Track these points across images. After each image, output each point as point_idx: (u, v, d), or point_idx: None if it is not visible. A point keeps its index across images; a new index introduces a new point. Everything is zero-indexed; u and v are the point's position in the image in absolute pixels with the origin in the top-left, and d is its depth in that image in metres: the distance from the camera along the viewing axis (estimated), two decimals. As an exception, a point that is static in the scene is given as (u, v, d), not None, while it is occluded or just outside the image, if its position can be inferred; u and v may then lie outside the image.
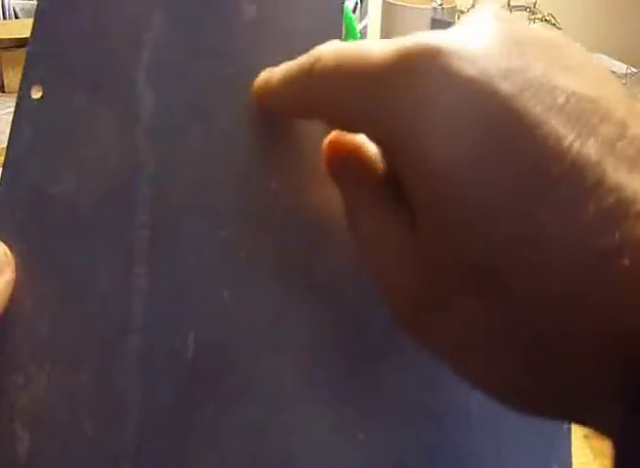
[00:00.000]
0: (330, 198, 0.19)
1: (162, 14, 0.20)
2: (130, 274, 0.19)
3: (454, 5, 1.10)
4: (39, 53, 0.19)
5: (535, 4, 1.14)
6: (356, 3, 0.88)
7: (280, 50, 0.19)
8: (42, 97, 0.19)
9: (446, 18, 1.06)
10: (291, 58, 0.17)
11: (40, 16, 0.19)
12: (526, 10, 1.15)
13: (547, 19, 1.13)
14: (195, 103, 0.20)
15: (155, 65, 0.19)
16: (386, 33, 0.87)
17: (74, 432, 0.18)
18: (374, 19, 0.90)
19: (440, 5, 0.96)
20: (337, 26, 0.21)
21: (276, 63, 0.18)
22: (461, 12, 1.12)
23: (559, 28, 1.14)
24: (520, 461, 0.20)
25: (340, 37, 0.19)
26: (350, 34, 0.69)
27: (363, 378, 0.19)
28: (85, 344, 0.18)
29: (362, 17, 0.90)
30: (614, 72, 1.14)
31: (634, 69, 1.10)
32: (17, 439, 0.17)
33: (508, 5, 1.15)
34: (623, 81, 1.05)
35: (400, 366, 0.20)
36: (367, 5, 0.92)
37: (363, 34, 0.84)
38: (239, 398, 0.19)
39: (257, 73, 0.19)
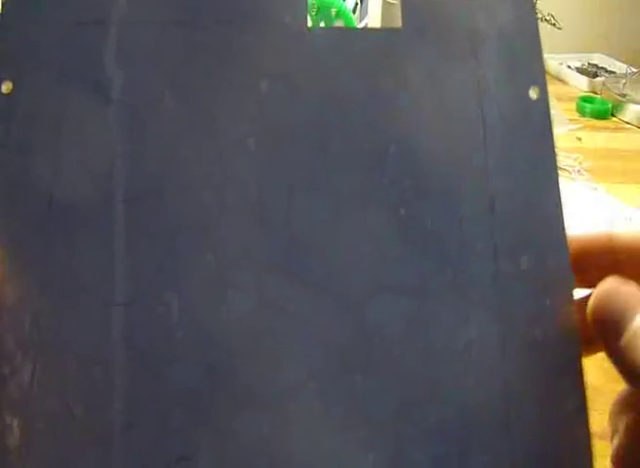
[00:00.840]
0: None
1: None
2: (110, 252, 0.19)
3: (454, 5, 1.10)
4: (6, 48, 0.19)
5: (535, 4, 1.14)
6: (356, 3, 0.88)
7: None
8: (12, 91, 0.19)
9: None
10: None
11: (5, 11, 0.20)
12: (526, 10, 1.15)
13: (547, 19, 1.13)
14: (168, 79, 0.20)
15: (123, 45, 0.20)
16: (386, 33, 0.87)
17: (63, 416, 0.18)
18: (374, 19, 0.90)
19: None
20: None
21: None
22: (461, 12, 1.12)
23: (559, 28, 1.13)
24: (527, 390, 0.20)
25: None
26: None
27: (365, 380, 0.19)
28: (68, 328, 0.18)
29: (362, 17, 0.90)
30: (613, 72, 1.14)
31: (634, 69, 1.09)
32: (5, 428, 0.18)
33: (508, 5, 1.14)
34: (623, 81, 1.05)
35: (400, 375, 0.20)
36: (367, 5, 0.92)
37: (363, 34, 0.84)
38: (229, 364, 0.19)
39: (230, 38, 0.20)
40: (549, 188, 0.21)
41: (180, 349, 0.19)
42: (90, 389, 0.18)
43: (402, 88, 0.21)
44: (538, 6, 1.14)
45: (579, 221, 0.68)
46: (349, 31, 0.22)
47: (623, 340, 0.19)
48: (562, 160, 0.82)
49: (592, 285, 0.21)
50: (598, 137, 0.93)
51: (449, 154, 0.21)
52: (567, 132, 0.92)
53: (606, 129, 0.97)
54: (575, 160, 0.82)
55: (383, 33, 0.22)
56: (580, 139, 0.91)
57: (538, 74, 0.22)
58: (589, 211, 0.71)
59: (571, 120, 0.96)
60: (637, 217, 0.70)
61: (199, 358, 0.19)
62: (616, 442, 0.21)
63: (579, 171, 0.80)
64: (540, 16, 1.13)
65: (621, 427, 0.21)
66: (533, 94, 0.22)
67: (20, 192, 0.19)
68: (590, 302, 0.20)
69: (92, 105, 0.20)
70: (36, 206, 0.19)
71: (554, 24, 1.13)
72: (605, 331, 0.20)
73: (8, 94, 0.19)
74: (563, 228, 0.21)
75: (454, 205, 0.21)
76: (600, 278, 0.20)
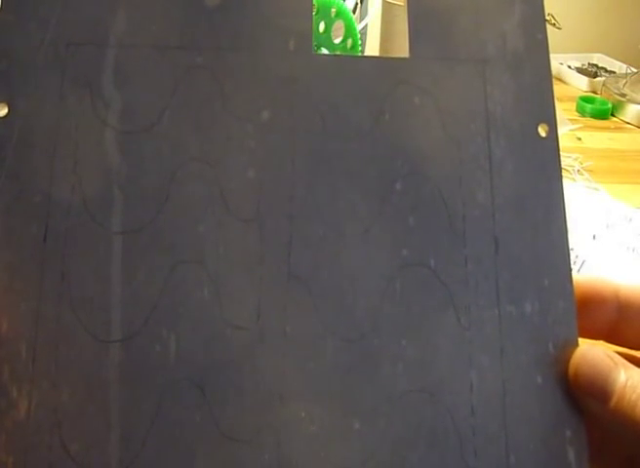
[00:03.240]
0: None
1: (124, 12, 0.20)
2: (106, 285, 0.19)
3: (454, 5, 1.10)
4: (1, 70, 0.19)
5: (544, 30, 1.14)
6: (356, 3, 0.88)
7: None
8: (7, 114, 0.19)
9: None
10: None
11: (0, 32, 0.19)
12: (526, 10, 1.15)
13: (547, 19, 1.13)
14: (166, 103, 0.20)
15: (121, 67, 0.20)
16: (386, 33, 0.87)
17: (59, 452, 0.18)
18: (374, 18, 0.89)
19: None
20: None
21: None
22: (461, 12, 1.12)
23: (559, 28, 1.13)
24: (528, 436, 0.20)
25: None
26: (350, 34, 0.69)
27: (357, 363, 0.19)
28: (64, 362, 0.18)
29: (362, 17, 0.90)
30: (613, 72, 1.14)
31: (634, 69, 1.09)
32: (0, 465, 0.17)
33: (508, 5, 1.14)
34: (623, 81, 1.05)
35: (395, 349, 0.19)
36: (367, 5, 0.92)
37: (363, 34, 0.84)
38: (227, 397, 0.19)
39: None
40: (556, 230, 0.21)
41: (177, 387, 0.18)
42: (86, 426, 0.18)
43: (408, 119, 0.21)
44: (538, 6, 1.14)
45: (578, 221, 0.68)
46: (355, 59, 0.21)
47: (612, 402, 0.19)
48: (562, 160, 0.82)
49: (594, 332, 0.21)
50: (598, 137, 0.93)
51: (454, 191, 0.21)
52: (567, 132, 0.92)
53: (606, 129, 0.97)
54: (575, 160, 0.82)
55: (390, 62, 0.21)
56: (580, 139, 0.91)
57: (547, 111, 0.22)
58: (589, 211, 0.71)
59: (571, 120, 0.96)
60: (637, 217, 0.70)
61: (197, 396, 0.18)
62: None
63: (579, 171, 0.80)
64: (539, 16, 1.13)
65: None
66: (542, 131, 0.22)
67: (15, 221, 0.19)
68: (571, 371, 0.20)
69: (88, 129, 0.19)
70: (31, 236, 0.19)
71: (554, 24, 1.13)
72: (590, 396, 0.19)
73: (3, 117, 0.19)
74: (569, 272, 0.21)
75: (458, 244, 0.20)
76: (603, 326, 0.21)
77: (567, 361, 0.20)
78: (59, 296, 0.18)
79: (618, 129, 0.98)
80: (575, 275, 0.21)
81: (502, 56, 0.22)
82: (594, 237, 0.65)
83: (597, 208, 0.72)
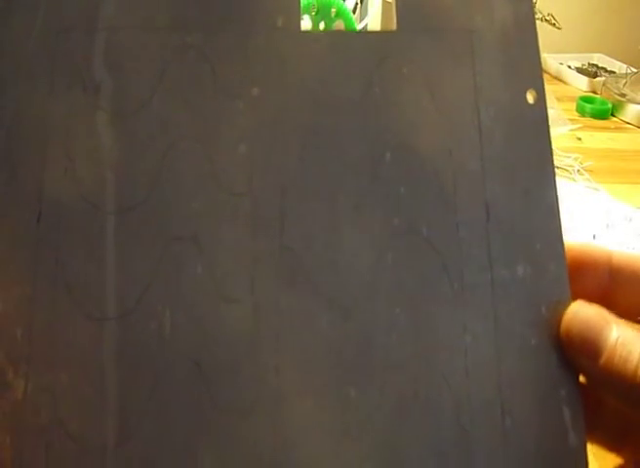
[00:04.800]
0: None
1: None
2: (100, 265, 0.19)
3: (454, 5, 1.10)
4: None
5: (535, 4, 1.14)
6: (356, 3, 0.88)
7: None
8: None
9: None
10: None
11: None
12: (526, 10, 1.14)
13: (547, 19, 1.13)
14: (157, 84, 0.20)
15: (111, 50, 0.20)
16: (386, 33, 0.87)
17: (56, 431, 0.18)
18: (374, 18, 0.90)
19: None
20: None
21: None
22: (461, 12, 1.12)
23: (559, 28, 1.13)
24: (523, 398, 0.20)
25: None
26: (350, 34, 0.69)
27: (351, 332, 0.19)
28: (60, 342, 0.18)
29: (362, 17, 0.90)
30: (613, 72, 1.14)
31: (634, 69, 1.09)
32: None
33: (508, 5, 1.14)
34: (623, 81, 1.05)
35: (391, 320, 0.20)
36: (367, 5, 0.92)
37: (363, 34, 0.84)
38: (223, 371, 0.19)
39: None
40: (546, 195, 0.21)
41: (173, 363, 0.19)
42: (82, 405, 0.18)
43: (397, 91, 0.21)
44: (538, 6, 1.13)
45: (578, 221, 0.68)
46: (343, 34, 0.22)
47: (603, 358, 0.19)
48: (562, 160, 0.82)
49: (585, 297, 0.21)
50: (598, 137, 0.93)
51: (444, 159, 0.21)
52: (567, 132, 0.92)
53: (606, 129, 0.97)
54: (575, 160, 0.82)
55: (378, 36, 0.22)
56: (580, 139, 0.91)
57: (535, 78, 0.22)
58: (589, 211, 0.71)
59: (571, 120, 0.96)
60: (637, 217, 0.70)
61: (193, 371, 0.19)
62: None
63: (579, 171, 0.80)
64: (539, 16, 1.13)
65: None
66: (530, 98, 0.22)
67: (8, 205, 0.19)
68: (562, 329, 0.20)
69: (79, 113, 0.19)
70: (24, 219, 0.19)
71: (554, 24, 1.13)
72: (582, 354, 0.20)
73: None
74: (560, 236, 0.21)
75: (449, 211, 0.21)
76: (595, 291, 0.21)
77: (560, 322, 0.20)
78: (53, 278, 0.19)
79: (618, 129, 0.98)
80: (567, 240, 0.21)
81: (490, 26, 0.22)
82: (594, 237, 0.65)
83: (597, 208, 0.72)
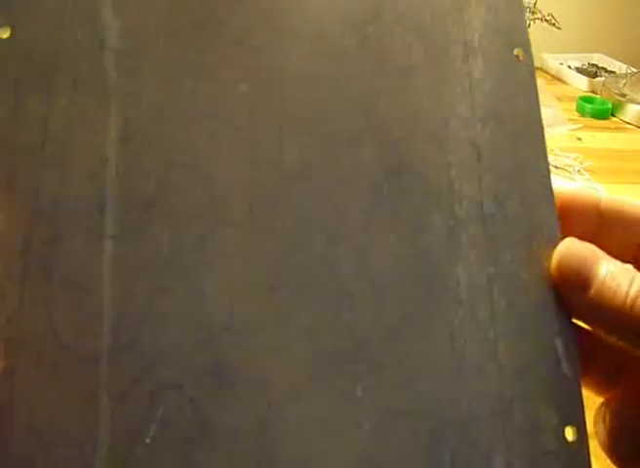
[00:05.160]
0: None
1: None
2: (101, 185, 0.19)
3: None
4: None
5: (535, 4, 1.14)
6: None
7: None
8: (10, 36, 0.20)
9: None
10: None
11: None
12: (526, 10, 1.15)
13: (547, 19, 1.13)
14: (163, 27, 0.21)
15: None
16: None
17: (49, 341, 0.18)
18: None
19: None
20: None
21: None
22: (461, 12, 1.12)
23: (559, 28, 1.13)
24: (516, 327, 0.20)
25: None
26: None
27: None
28: (58, 256, 0.19)
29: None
30: (613, 72, 1.14)
31: (634, 69, 1.09)
32: None
33: (508, 5, 1.14)
34: (623, 81, 1.05)
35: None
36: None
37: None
38: (218, 288, 0.19)
39: None
40: (534, 139, 0.22)
41: (168, 280, 0.19)
42: (77, 317, 0.18)
43: (391, 44, 0.22)
44: (537, 6, 1.14)
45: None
46: None
47: (593, 289, 0.19)
48: (562, 160, 0.82)
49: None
50: (598, 137, 0.93)
51: (436, 105, 0.22)
52: (567, 132, 0.92)
53: (606, 129, 0.97)
54: (575, 160, 0.82)
55: None
56: (580, 139, 0.91)
57: (521, 37, 0.23)
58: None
59: (571, 120, 0.96)
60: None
61: (189, 289, 0.19)
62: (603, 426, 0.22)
63: (579, 171, 0.80)
64: (540, 16, 1.13)
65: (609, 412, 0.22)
66: (517, 54, 0.23)
67: (14, 126, 0.19)
68: (554, 262, 0.20)
69: (87, 50, 0.20)
70: (29, 141, 0.19)
71: (554, 24, 1.13)
72: (572, 287, 0.20)
73: (6, 38, 0.20)
74: (548, 176, 0.22)
75: (442, 151, 0.21)
76: (583, 235, 0.21)
77: (550, 257, 0.21)
78: (55, 194, 0.19)
79: (618, 129, 0.98)
80: (556, 185, 0.22)
81: None
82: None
83: (597, 208, 0.72)
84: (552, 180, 0.22)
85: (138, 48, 0.21)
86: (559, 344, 0.20)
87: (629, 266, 0.20)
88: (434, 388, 0.19)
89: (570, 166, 0.81)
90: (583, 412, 0.20)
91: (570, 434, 0.19)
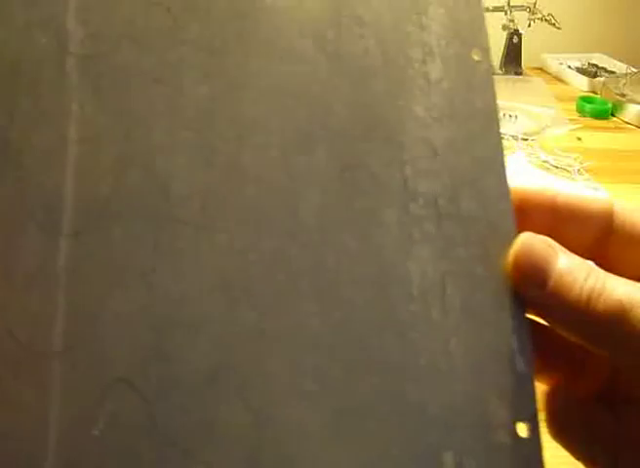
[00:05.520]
0: None
1: None
2: (59, 188, 0.19)
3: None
4: None
5: (535, 4, 1.14)
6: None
7: None
8: None
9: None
10: None
11: None
12: (526, 10, 1.15)
13: (547, 18, 1.13)
14: (126, 31, 0.21)
15: (83, 4, 0.21)
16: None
17: (5, 341, 0.18)
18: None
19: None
20: None
21: None
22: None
23: (559, 28, 1.13)
24: (469, 323, 0.20)
25: None
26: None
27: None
28: (12, 253, 0.19)
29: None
30: (613, 72, 1.14)
31: (634, 69, 1.09)
32: None
33: (508, 5, 1.15)
34: (623, 81, 1.05)
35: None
36: None
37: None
38: (172, 288, 0.19)
39: None
40: (491, 138, 0.22)
41: (124, 273, 0.19)
42: (32, 314, 0.18)
43: (350, 47, 0.23)
44: (537, 6, 1.14)
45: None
46: None
47: (550, 284, 0.19)
48: (562, 160, 0.82)
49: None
50: (598, 137, 0.93)
51: (393, 105, 0.22)
52: (567, 132, 0.92)
53: (606, 129, 0.97)
54: (575, 160, 0.82)
55: None
56: (579, 139, 0.91)
57: (480, 39, 0.24)
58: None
59: (571, 120, 0.96)
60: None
61: (142, 286, 0.19)
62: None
63: (579, 171, 0.80)
64: (540, 16, 1.13)
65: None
66: (475, 55, 0.23)
67: None
68: (510, 257, 0.20)
69: (51, 56, 0.21)
70: None
71: (554, 24, 1.13)
72: (529, 282, 0.20)
73: None
74: (504, 174, 0.22)
75: (397, 150, 0.22)
76: (540, 229, 0.21)
77: (507, 254, 0.21)
78: (12, 194, 0.19)
79: (618, 129, 0.98)
80: (512, 183, 0.22)
81: None
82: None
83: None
84: (509, 178, 0.22)
85: (99, 53, 0.21)
86: (514, 340, 0.20)
87: (587, 261, 0.20)
88: (384, 385, 0.19)
89: (570, 166, 0.81)
90: (537, 408, 0.20)
91: (522, 430, 0.19)
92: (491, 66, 0.23)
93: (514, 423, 0.19)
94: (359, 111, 0.22)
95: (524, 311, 0.21)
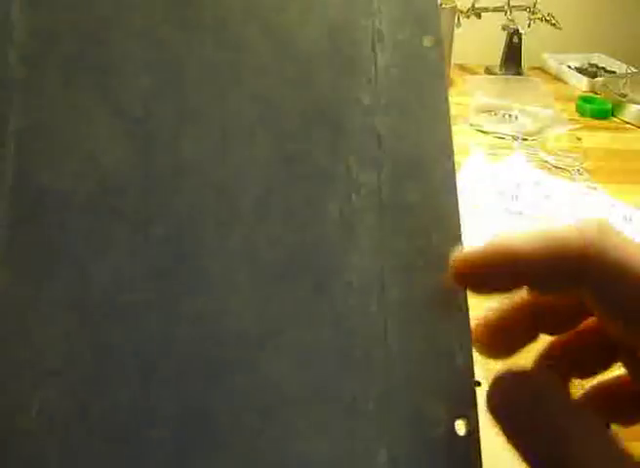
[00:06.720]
0: None
1: None
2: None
3: (454, 5, 1.10)
4: None
5: (535, 4, 1.14)
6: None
7: None
8: None
9: (446, 18, 1.06)
10: None
11: None
12: (526, 10, 1.15)
13: (547, 19, 1.13)
14: (69, 24, 0.21)
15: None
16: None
17: None
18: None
19: (440, 5, 0.96)
20: None
21: None
22: (461, 12, 1.12)
23: (559, 28, 1.13)
24: (410, 322, 0.20)
25: None
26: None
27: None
28: None
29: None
30: (613, 72, 1.14)
31: (634, 69, 1.09)
32: None
33: (508, 5, 1.15)
34: (623, 81, 1.05)
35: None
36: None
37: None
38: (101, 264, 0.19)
39: None
40: (439, 129, 0.22)
41: (58, 269, 0.19)
42: None
43: (297, 33, 0.22)
44: (537, 6, 1.14)
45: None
46: None
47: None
48: (562, 160, 0.82)
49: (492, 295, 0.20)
50: (598, 137, 0.93)
51: (338, 93, 0.22)
52: (567, 132, 0.92)
53: (606, 129, 0.97)
54: (575, 160, 0.82)
55: None
56: (579, 139, 0.91)
57: (432, 25, 0.23)
58: (589, 211, 0.71)
59: (571, 120, 0.96)
60: (637, 217, 0.70)
61: (77, 276, 0.19)
62: None
63: (579, 171, 0.80)
64: (540, 16, 1.13)
65: None
66: (427, 42, 0.23)
67: None
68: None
69: None
70: None
71: (554, 24, 1.13)
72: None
73: None
74: (452, 167, 0.22)
75: (341, 139, 0.21)
76: (497, 290, 0.20)
77: (449, 251, 0.20)
78: None
79: (618, 129, 0.98)
80: (469, 246, 0.20)
81: None
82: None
83: (597, 207, 0.72)
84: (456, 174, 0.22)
85: (42, 44, 0.21)
86: (453, 336, 0.20)
87: None
88: (319, 379, 0.19)
89: (570, 166, 0.81)
90: (476, 405, 0.19)
91: (460, 427, 0.19)
92: (443, 54, 0.23)
93: (452, 421, 0.19)
94: (303, 100, 0.21)
95: (465, 305, 0.20)
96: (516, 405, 0.18)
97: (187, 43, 0.21)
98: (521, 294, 0.21)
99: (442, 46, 0.23)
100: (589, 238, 0.19)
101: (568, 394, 0.20)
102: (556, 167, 0.80)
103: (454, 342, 0.20)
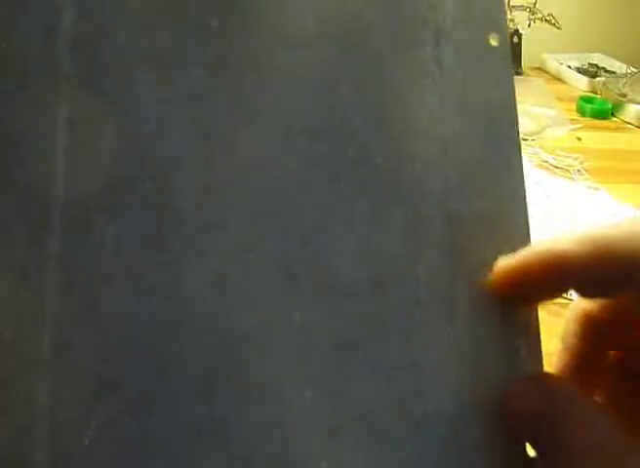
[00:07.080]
0: None
1: None
2: (48, 180, 0.18)
3: (454, 5, 1.10)
4: None
5: (535, 4, 1.14)
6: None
7: None
8: None
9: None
10: None
11: None
12: (526, 10, 1.15)
13: (547, 19, 1.13)
14: (119, 14, 0.20)
15: None
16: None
17: None
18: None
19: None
20: None
21: None
22: (461, 12, 1.12)
23: (559, 28, 1.13)
24: (475, 334, 0.20)
25: None
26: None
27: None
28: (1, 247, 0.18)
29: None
30: (613, 72, 1.14)
31: (634, 69, 1.09)
32: None
33: (508, 5, 1.14)
34: (623, 81, 1.05)
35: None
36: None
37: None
38: (164, 287, 0.18)
39: None
40: (507, 133, 0.21)
41: (112, 278, 0.18)
42: (20, 313, 0.18)
43: (356, 28, 0.21)
44: (537, 6, 1.14)
45: (578, 222, 0.68)
46: None
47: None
48: (562, 160, 0.82)
49: (532, 302, 0.20)
50: (598, 137, 0.93)
51: (402, 94, 0.21)
52: (567, 132, 0.92)
53: (606, 129, 0.97)
54: (575, 160, 0.82)
55: None
56: (579, 139, 0.91)
57: (498, 22, 0.22)
58: (589, 211, 0.71)
59: (571, 120, 0.96)
60: (637, 217, 0.70)
61: (134, 286, 0.18)
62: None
63: (579, 171, 0.80)
64: (540, 16, 1.13)
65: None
66: (492, 41, 0.22)
67: None
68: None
69: (41, 36, 0.19)
70: None
71: (554, 24, 1.13)
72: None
73: None
74: (520, 174, 0.21)
75: (406, 144, 0.20)
76: (544, 296, 0.20)
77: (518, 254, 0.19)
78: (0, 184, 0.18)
79: (618, 129, 0.98)
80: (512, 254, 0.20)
81: None
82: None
83: (597, 208, 0.72)
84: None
85: (92, 34, 0.20)
86: (522, 345, 0.20)
87: None
88: (386, 393, 0.19)
89: (570, 166, 0.80)
90: None
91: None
92: (509, 52, 0.22)
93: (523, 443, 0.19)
94: (366, 100, 0.20)
95: (535, 315, 0.20)
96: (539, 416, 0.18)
97: (244, 38, 0.20)
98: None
99: (507, 43, 0.22)
100: (638, 240, 0.18)
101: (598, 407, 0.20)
102: (556, 167, 0.80)
103: (522, 351, 0.19)
